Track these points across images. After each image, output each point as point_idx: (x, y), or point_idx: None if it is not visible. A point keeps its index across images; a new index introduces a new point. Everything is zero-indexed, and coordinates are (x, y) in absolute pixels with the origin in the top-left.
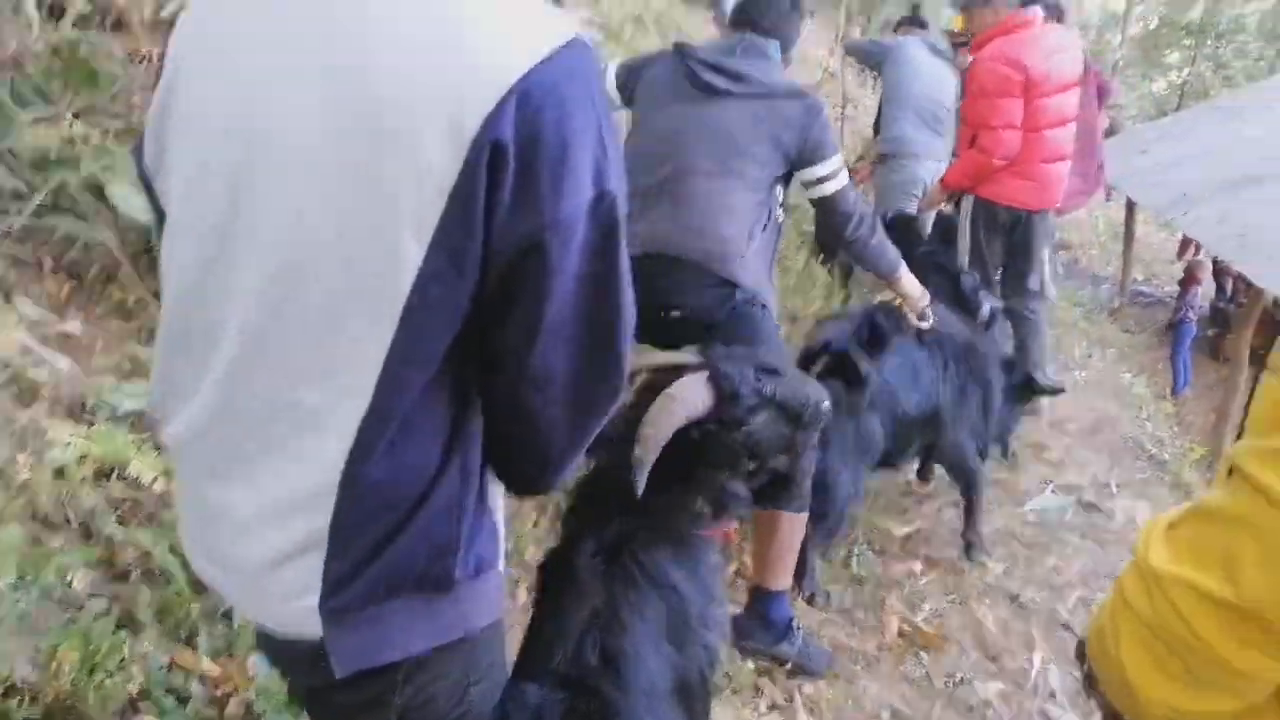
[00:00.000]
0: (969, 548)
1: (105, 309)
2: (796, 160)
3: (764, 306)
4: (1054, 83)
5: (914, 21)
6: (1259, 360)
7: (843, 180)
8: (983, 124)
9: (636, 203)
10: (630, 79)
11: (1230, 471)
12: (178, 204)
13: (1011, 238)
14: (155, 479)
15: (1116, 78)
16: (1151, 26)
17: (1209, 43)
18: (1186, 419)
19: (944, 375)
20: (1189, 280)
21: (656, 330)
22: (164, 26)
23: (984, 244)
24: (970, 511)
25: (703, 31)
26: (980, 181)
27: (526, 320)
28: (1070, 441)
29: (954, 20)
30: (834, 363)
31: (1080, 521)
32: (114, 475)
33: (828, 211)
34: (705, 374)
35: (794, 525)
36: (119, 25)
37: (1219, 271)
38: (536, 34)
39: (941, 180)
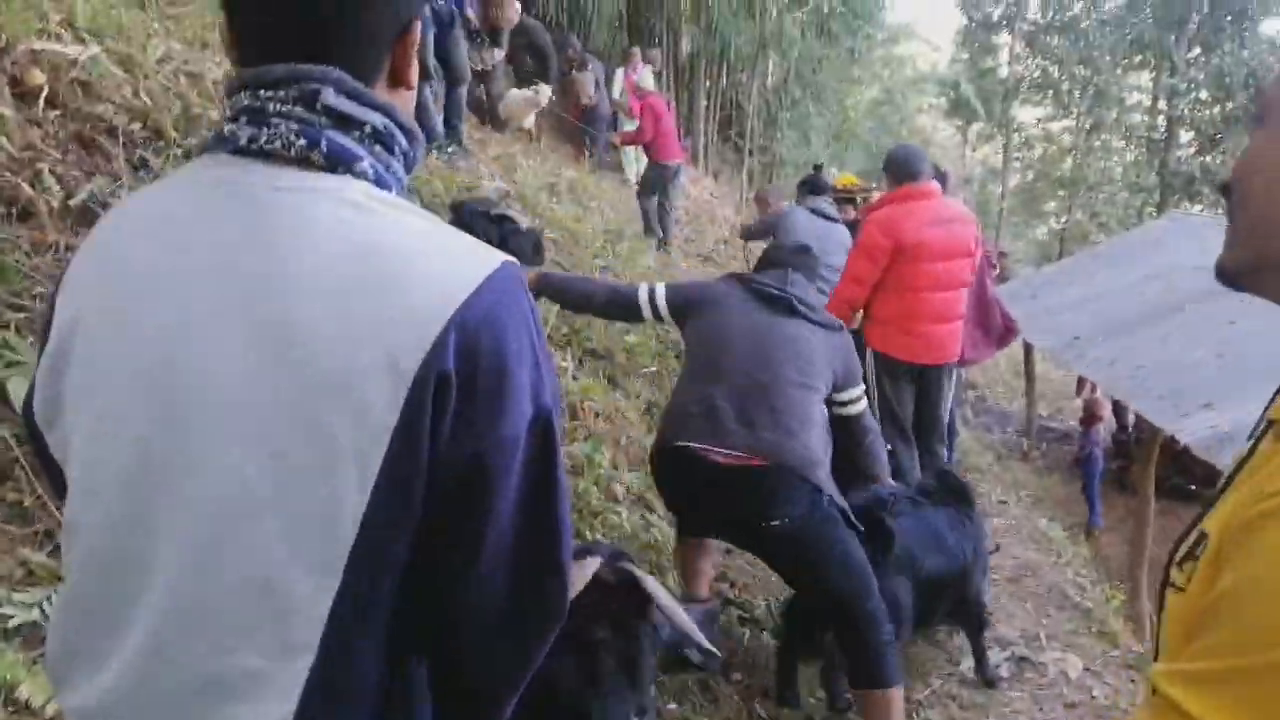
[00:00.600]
0: (990, 683)
1: None
2: (838, 384)
3: (841, 510)
4: (930, 250)
5: (814, 183)
6: (1166, 492)
7: (864, 402)
8: (846, 272)
9: (734, 401)
10: (687, 304)
11: (1153, 691)
12: (82, 462)
13: (917, 388)
14: (47, 702)
15: (1002, 239)
16: (1028, 179)
17: (1082, 193)
18: (1104, 553)
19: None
20: (1090, 417)
21: (752, 540)
22: (73, 215)
23: (891, 396)
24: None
25: (616, 199)
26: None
27: (467, 541)
28: (997, 591)
29: (839, 178)
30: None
31: (1014, 677)
32: (2, 699)
33: (853, 427)
34: None
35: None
36: (26, 215)
37: (1118, 406)
38: (465, 263)
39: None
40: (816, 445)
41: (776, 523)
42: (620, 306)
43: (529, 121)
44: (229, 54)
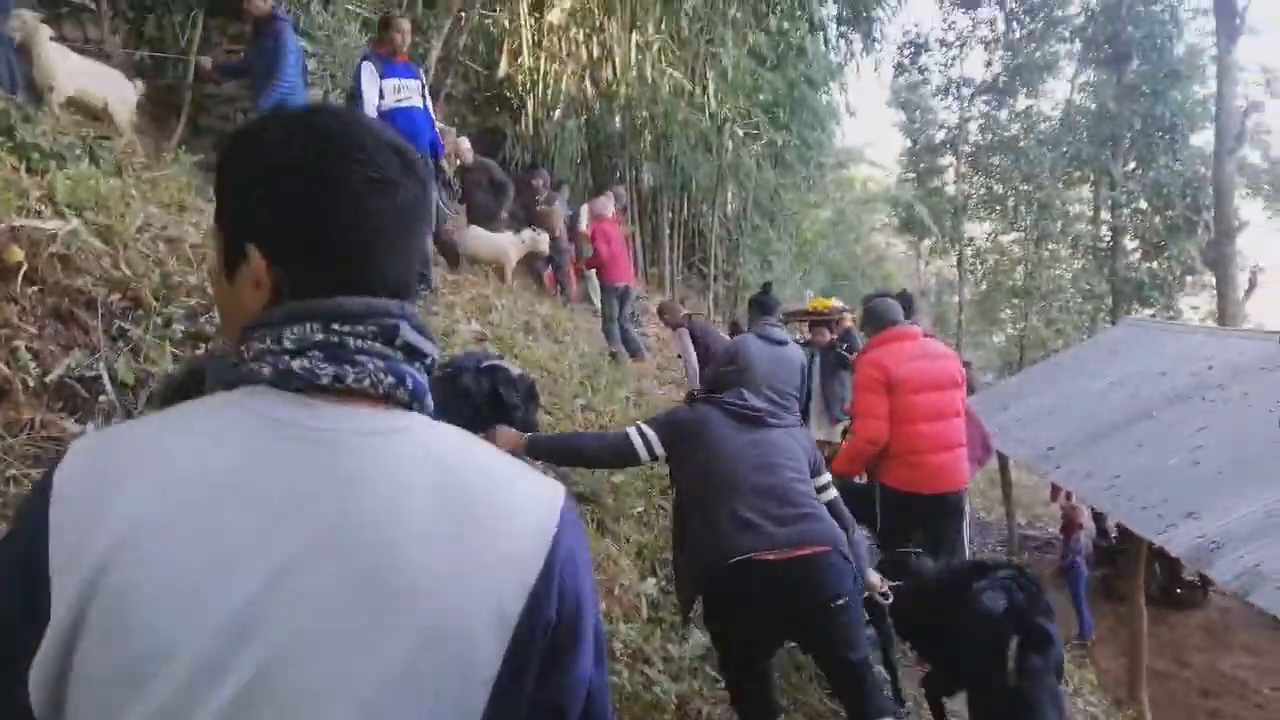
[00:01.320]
0: None
1: None
2: (814, 470)
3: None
4: (919, 382)
5: (763, 304)
6: (1152, 598)
7: (834, 489)
8: (857, 414)
9: (757, 507)
10: (678, 436)
11: None
12: None
13: (930, 520)
14: None
15: (964, 348)
16: (983, 289)
17: (1036, 301)
18: (1101, 666)
19: None
20: (1070, 525)
21: (823, 619)
22: (49, 391)
23: (894, 530)
24: None
25: (590, 331)
26: (857, 464)
27: None
28: None
29: (813, 302)
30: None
31: None
32: None
33: (835, 512)
34: None
35: None
36: (1, 394)
37: (1097, 512)
38: (541, 498)
39: (834, 466)
40: (834, 524)
41: (842, 599)
42: (615, 454)
43: (512, 263)
44: (254, 285)
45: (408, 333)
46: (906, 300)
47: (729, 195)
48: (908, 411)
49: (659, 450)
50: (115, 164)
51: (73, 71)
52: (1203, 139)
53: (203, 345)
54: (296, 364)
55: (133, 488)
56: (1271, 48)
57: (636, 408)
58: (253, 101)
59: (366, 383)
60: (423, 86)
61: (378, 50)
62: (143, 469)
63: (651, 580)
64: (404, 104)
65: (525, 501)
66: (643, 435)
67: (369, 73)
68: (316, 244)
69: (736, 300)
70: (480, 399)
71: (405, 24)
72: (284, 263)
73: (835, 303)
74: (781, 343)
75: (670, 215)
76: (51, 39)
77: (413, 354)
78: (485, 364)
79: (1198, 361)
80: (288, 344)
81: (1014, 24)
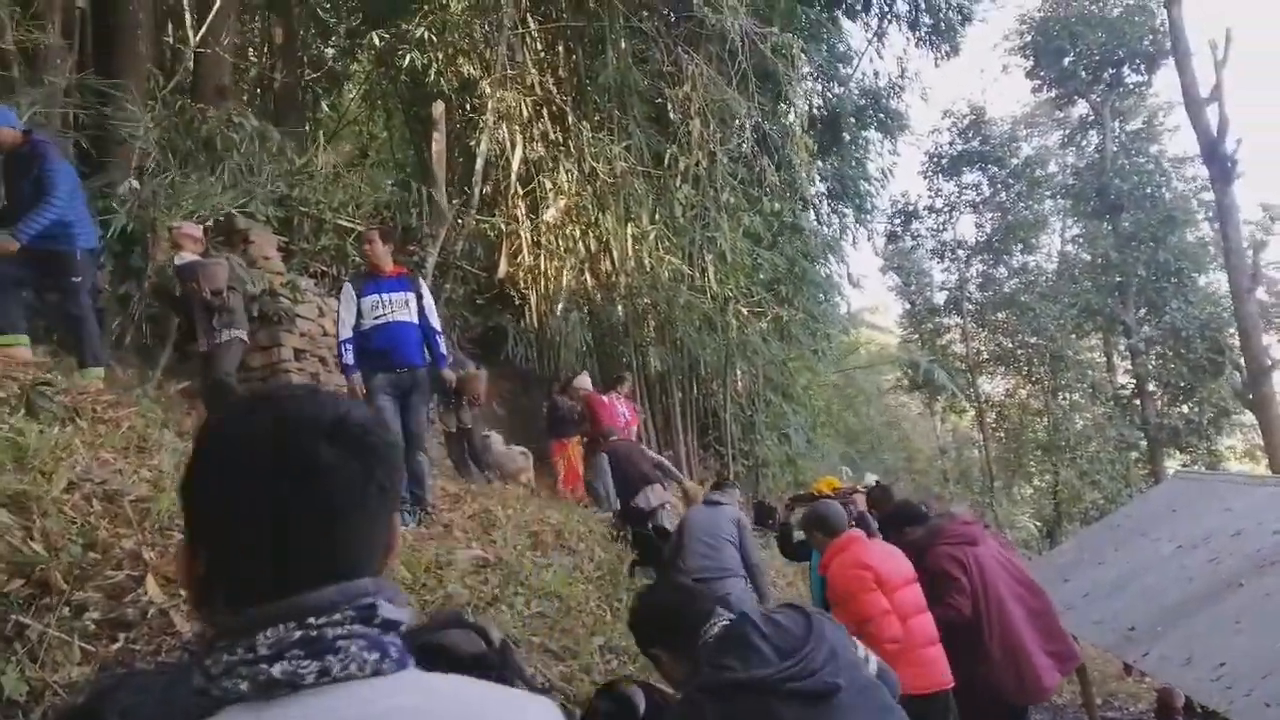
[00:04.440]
0: None
1: None
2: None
3: None
4: (896, 579)
5: (718, 485)
6: None
7: None
8: (863, 621)
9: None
10: None
11: None
12: None
13: None
14: None
15: (997, 501)
16: (1003, 442)
17: (1065, 454)
18: None
19: None
20: (1166, 709)
21: None
22: None
23: None
24: None
25: (604, 532)
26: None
27: None
28: None
29: (819, 483)
30: None
31: None
32: None
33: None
34: None
35: None
36: None
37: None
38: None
39: None
40: None
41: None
42: None
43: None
44: (200, 594)
45: (385, 609)
46: (884, 491)
47: (739, 373)
48: (898, 608)
49: None
50: (68, 408)
51: None
52: (1208, 280)
53: (121, 636)
54: (277, 670)
55: None
56: (1259, 185)
57: None
58: None
59: (353, 667)
60: (418, 297)
61: (363, 270)
62: None
63: None
64: (386, 319)
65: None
66: None
67: (345, 297)
68: (259, 543)
69: (757, 479)
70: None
71: (372, 235)
72: (226, 567)
73: (843, 483)
74: (720, 504)
75: (680, 397)
76: None
77: (389, 625)
78: (427, 640)
79: (1274, 518)
80: (263, 650)
81: (999, 187)
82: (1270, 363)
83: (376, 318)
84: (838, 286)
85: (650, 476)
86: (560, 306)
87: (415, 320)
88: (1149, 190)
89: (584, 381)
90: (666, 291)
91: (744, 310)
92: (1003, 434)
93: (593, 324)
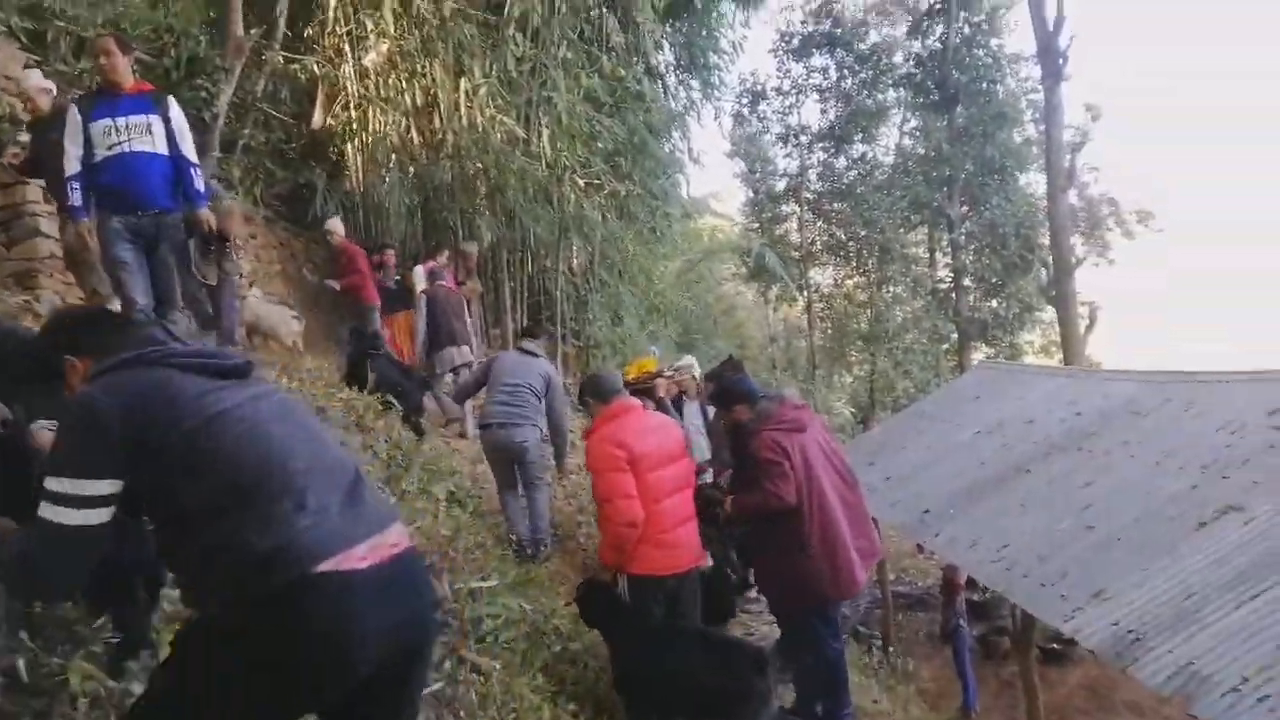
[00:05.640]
0: None
1: None
2: None
3: None
4: (656, 457)
5: (529, 330)
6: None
7: None
8: (603, 501)
9: None
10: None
11: None
12: None
13: (672, 602)
14: None
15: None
16: (829, 333)
17: (884, 344)
18: None
19: None
20: (951, 587)
21: None
22: None
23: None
24: None
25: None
26: (625, 552)
27: None
28: None
29: (628, 368)
30: None
31: None
32: None
33: None
34: None
35: None
36: None
37: None
38: None
39: (600, 559)
40: None
41: None
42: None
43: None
44: None
45: None
46: (735, 365)
47: (574, 249)
48: (652, 490)
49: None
50: None
51: None
52: (1028, 179)
53: None
54: None
55: None
56: (1088, 87)
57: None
58: None
59: None
60: (164, 120)
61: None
62: None
63: None
64: (121, 149)
65: None
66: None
67: (70, 122)
68: None
69: (588, 360)
70: None
71: (107, 44)
72: None
73: (653, 364)
74: (533, 354)
75: (511, 271)
76: None
77: None
78: None
79: (1063, 407)
80: None
81: (845, 73)
82: (1075, 261)
83: (110, 147)
84: (680, 164)
85: (460, 337)
86: (386, 168)
87: (163, 150)
88: (985, 85)
89: (335, 225)
90: (498, 155)
91: (581, 182)
92: (829, 324)
93: (418, 187)
